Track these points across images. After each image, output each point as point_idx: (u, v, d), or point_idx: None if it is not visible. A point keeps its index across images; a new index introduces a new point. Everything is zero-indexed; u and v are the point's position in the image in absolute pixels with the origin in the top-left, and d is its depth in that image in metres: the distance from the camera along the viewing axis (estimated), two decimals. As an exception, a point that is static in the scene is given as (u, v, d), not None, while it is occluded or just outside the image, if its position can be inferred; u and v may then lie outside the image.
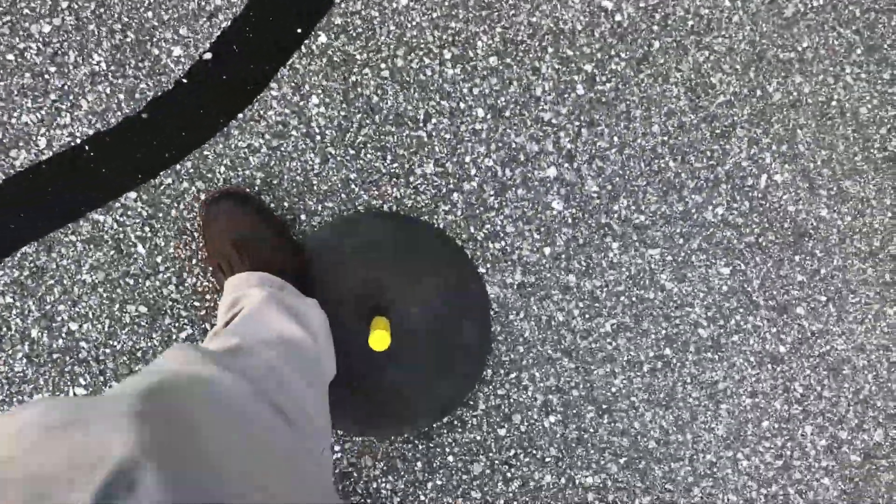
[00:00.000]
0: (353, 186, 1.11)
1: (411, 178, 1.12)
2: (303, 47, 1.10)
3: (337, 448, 1.14)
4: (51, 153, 1.07)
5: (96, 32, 1.07)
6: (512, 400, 1.14)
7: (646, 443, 1.15)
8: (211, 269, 1.07)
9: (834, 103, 1.15)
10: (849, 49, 1.15)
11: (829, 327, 1.17)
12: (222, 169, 1.09)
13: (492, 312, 1.13)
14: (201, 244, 1.08)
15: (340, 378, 1.03)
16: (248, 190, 1.08)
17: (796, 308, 1.16)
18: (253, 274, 0.95)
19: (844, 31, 1.15)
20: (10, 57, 1.06)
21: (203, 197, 1.08)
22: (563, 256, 1.13)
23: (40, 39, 1.06)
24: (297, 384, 0.72)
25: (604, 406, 1.15)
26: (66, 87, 1.07)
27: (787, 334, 1.16)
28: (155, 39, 1.08)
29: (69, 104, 1.07)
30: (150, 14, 1.07)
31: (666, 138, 1.14)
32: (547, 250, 1.13)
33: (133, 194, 1.08)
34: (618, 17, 1.13)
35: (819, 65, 1.15)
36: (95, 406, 0.41)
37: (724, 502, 1.17)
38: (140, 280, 1.09)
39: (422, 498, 1.15)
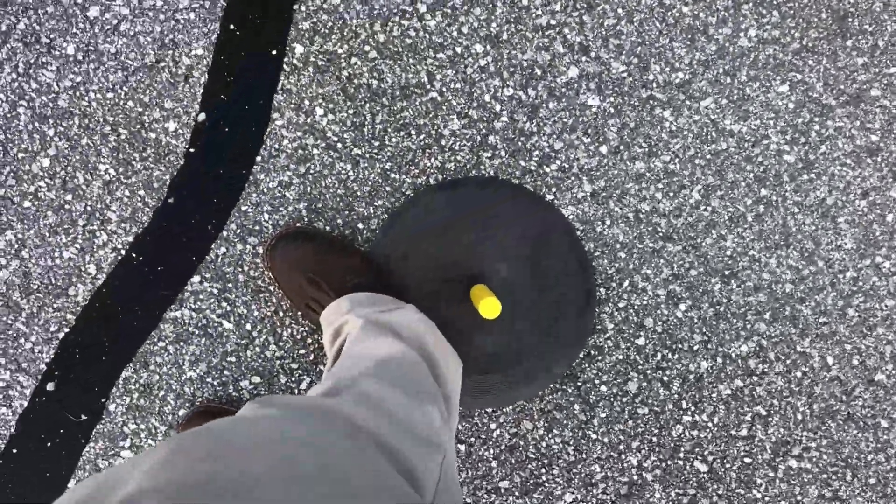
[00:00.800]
0: (392, 175, 1.08)
1: (443, 142, 1.08)
2: (285, 66, 1.07)
3: (493, 426, 1.12)
4: (104, 276, 1.06)
5: (91, 143, 1.05)
6: (636, 307, 1.11)
7: (782, 288, 1.11)
8: (300, 313, 1.05)
9: None
10: None
11: (912, 94, 1.10)
12: (265, 216, 1.07)
13: (578, 233, 1.09)
14: (281, 295, 1.06)
15: (467, 363, 1.01)
16: (297, 224, 1.06)
17: (870, 91, 1.10)
18: (341, 300, 0.93)
19: None
20: (27, 204, 1.05)
21: (260, 251, 1.06)
22: (622, 147, 1.09)
23: (45, 175, 1.05)
24: (397, 403, 0.68)
25: (726, 272, 1.11)
26: (88, 208, 1.06)
27: (873, 121, 1.10)
28: (147, 124, 1.06)
29: (99, 222, 1.06)
30: (130, 104, 1.05)
31: (669, -13, 1.08)
32: (603, 149, 1.09)
33: (196, 278, 1.07)
34: None
35: None
36: (120, 474, 0.43)
37: (883, 310, 1.12)
38: (240, 354, 1.08)
39: (593, 437, 1.12)
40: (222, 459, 0.44)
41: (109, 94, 1.06)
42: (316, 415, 0.60)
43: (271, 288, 1.08)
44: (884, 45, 1.10)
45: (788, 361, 1.12)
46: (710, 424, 1.13)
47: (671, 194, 1.10)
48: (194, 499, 0.39)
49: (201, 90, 1.07)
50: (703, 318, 1.12)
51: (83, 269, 1.07)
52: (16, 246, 1.06)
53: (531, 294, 1.08)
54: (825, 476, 1.13)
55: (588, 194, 1.10)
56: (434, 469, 0.63)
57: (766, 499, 1.13)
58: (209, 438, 0.47)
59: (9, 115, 1.05)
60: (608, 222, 1.11)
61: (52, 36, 1.04)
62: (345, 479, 0.47)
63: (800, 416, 1.13)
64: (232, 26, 1.06)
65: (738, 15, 1.09)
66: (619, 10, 1.08)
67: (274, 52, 1.07)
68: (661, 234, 1.11)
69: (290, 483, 0.43)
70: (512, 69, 1.09)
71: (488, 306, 0.94)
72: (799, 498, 1.13)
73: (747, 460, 1.13)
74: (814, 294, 1.12)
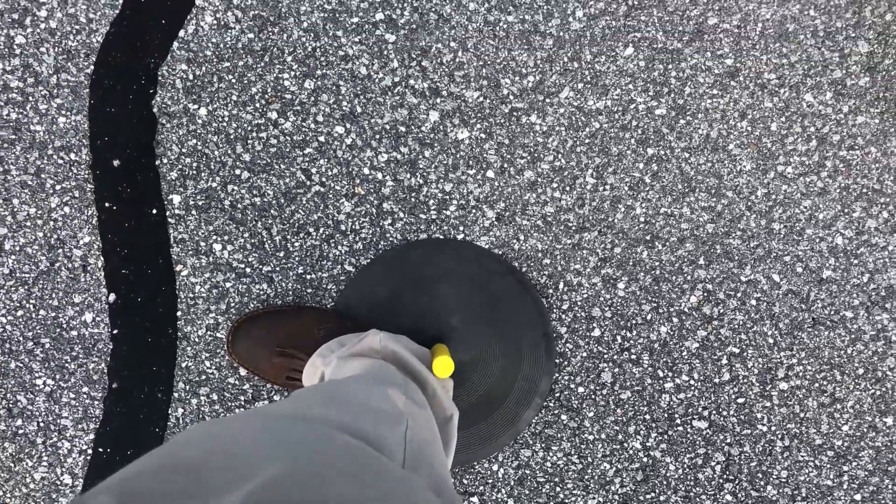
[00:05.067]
0: (308, 277, 1.13)
1: (342, 227, 1.14)
2: (169, 219, 1.12)
3: (495, 467, 1.16)
4: (80, 481, 1.10)
5: (21, 364, 1.10)
6: (579, 303, 1.16)
7: (704, 230, 1.17)
8: (287, 390, 1.10)
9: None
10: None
11: (746, 8, 1.17)
12: (207, 364, 1.12)
13: (504, 258, 1.15)
14: (265, 384, 1.10)
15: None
16: (245, 312, 1.11)
17: (707, 21, 1.17)
18: (313, 357, 1.00)
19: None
20: (-19, 444, 1.09)
21: (227, 358, 1.10)
22: (506, 164, 1.15)
23: (-12, 411, 1.09)
24: (351, 390, 0.74)
25: (647, 238, 1.16)
26: (41, 424, 1.10)
27: (721, 47, 1.17)
28: (64, 325, 1.11)
29: (56, 433, 1.10)
30: (42, 312, 1.11)
31: (487, 5, 1.14)
32: (490, 173, 1.15)
33: (166, 446, 1.11)
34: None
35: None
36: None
37: (804, 212, 1.18)
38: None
39: (590, 438, 1.17)
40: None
41: (20, 312, 1.11)
42: (268, 420, 0.62)
43: (253, 380, 1.12)
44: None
45: (739, 294, 1.18)
46: (692, 382, 1.18)
47: (568, 188, 1.16)
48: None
49: (102, 273, 1.12)
50: (645, 288, 1.17)
51: (59, 483, 1.11)
52: (-12, 487, 1.10)
53: (492, 345, 1.13)
54: (816, 385, 1.18)
55: (493, 220, 1.16)
56: (398, 438, 0.66)
57: (773, 428, 1.18)
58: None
59: (-66, 370, 1.09)
60: (522, 237, 1.16)
61: (-55, 281, 1.09)
62: (310, 455, 0.51)
63: (771, 340, 1.18)
64: (107, 204, 1.12)
65: (560, 2, 1.16)
66: (452, 44, 1.15)
67: (154, 211, 1.13)
68: (573, 227, 1.16)
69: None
70: (378, 136, 1.14)
71: (440, 366, 0.99)
72: (801, 414, 1.18)
73: (741, 400, 1.18)
74: (736, 224, 1.17)
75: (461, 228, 1.17)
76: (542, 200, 1.17)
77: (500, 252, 1.17)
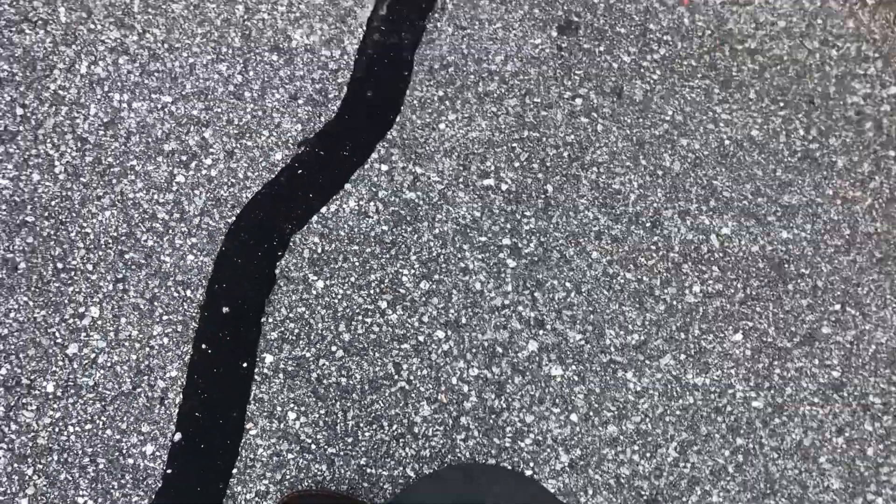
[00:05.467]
0: (368, 471, 1.12)
1: (415, 430, 1.13)
2: (256, 376, 1.14)
3: None
4: None
5: (70, 477, 1.10)
6: (632, 580, 1.10)
7: (779, 540, 1.11)
8: None
9: (727, 142, 1.23)
10: (707, 93, 1.25)
11: (862, 327, 1.17)
12: (245, 531, 1.09)
13: (562, 509, 1.11)
14: None
15: None
16: (298, 488, 1.09)
17: (821, 329, 1.18)
18: None
19: (694, 83, 1.25)
20: (4, 552, 1.07)
21: None
22: (591, 413, 1.14)
23: (23, 518, 1.09)
24: None
25: (718, 530, 1.11)
26: (67, 547, 1.08)
27: (831, 357, 1.17)
28: (124, 450, 1.11)
29: (77, 560, 1.08)
30: (108, 432, 1.12)
31: (609, 257, 1.19)
32: (574, 417, 1.14)
33: None
34: (504, 187, 1.21)
35: (692, 120, 1.24)
36: None
37: (890, 548, 1.11)
38: None
39: None
40: None
41: (88, 426, 1.12)
42: None
43: None
44: (823, 285, 1.19)
45: None
46: None
47: (648, 455, 1.14)
48: None
49: (176, 410, 1.13)
50: (705, 584, 1.10)
51: None
52: None
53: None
54: None
55: (566, 465, 1.13)
56: None
57: None
58: None
59: (-11, 460, 1.10)
60: (591, 492, 1.13)
61: (32, 377, 1.13)
62: None
63: None
64: (204, 346, 1.15)
65: (680, 274, 1.19)
66: (567, 284, 1.18)
67: (245, 365, 1.15)
68: (644, 497, 1.13)
69: None
70: (474, 350, 1.16)
71: None
72: None
73: None
74: (813, 542, 1.12)
75: (532, 464, 1.14)
76: (620, 460, 1.15)
77: (566, 501, 1.13)
